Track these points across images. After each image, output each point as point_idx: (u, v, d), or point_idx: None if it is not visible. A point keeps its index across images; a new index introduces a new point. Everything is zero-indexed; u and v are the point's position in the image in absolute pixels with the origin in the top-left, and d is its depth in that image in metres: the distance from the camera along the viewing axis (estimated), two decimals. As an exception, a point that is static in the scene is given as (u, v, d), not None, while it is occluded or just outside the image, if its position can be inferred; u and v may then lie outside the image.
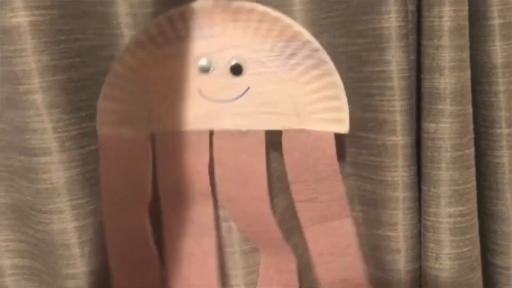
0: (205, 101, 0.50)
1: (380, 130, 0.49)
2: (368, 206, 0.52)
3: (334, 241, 0.51)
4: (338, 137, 0.50)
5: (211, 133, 0.51)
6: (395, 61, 0.48)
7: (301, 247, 0.54)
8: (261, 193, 0.51)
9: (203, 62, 0.50)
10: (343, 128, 0.49)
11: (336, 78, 0.48)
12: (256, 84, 0.50)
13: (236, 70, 0.50)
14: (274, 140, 0.51)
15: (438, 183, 0.49)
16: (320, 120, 0.49)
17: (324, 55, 0.48)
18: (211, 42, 0.50)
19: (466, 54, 0.48)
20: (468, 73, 0.48)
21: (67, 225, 0.51)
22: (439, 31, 0.46)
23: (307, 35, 0.48)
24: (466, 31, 0.47)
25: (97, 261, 0.52)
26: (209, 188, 0.51)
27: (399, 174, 0.50)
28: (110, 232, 0.51)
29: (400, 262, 0.51)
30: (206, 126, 0.51)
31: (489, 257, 0.56)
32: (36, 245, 0.54)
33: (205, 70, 0.50)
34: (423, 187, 0.50)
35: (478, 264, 0.51)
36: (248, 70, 0.50)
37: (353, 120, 0.50)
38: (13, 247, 0.56)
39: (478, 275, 0.52)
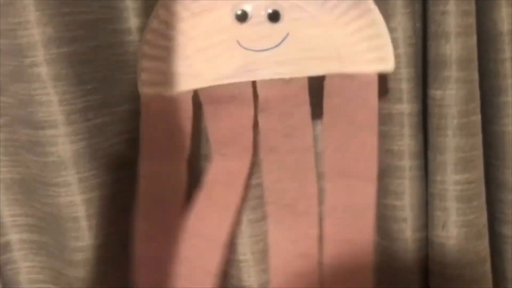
0: (244, 52, 0.50)
1: (386, 98, 0.49)
2: (374, 176, 0.52)
3: (353, 200, 0.50)
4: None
5: (254, 84, 0.50)
6: (400, 28, 0.48)
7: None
8: (306, 143, 0.50)
9: (239, 11, 0.49)
10: (388, 65, 0.47)
11: (377, 15, 0.47)
12: (295, 30, 0.49)
13: (274, 17, 0.49)
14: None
15: (444, 150, 0.49)
16: (364, 61, 0.48)
17: None
18: None
19: (473, 20, 0.47)
20: (474, 39, 0.48)
21: (74, 198, 0.51)
22: (445, -4, 0.46)
23: None
24: (472, -5, 0.47)
25: (105, 235, 0.52)
26: (251, 143, 0.51)
27: (405, 142, 0.50)
28: (144, 177, 0.52)
29: (407, 231, 0.51)
30: (247, 77, 0.50)
31: (496, 227, 0.56)
32: (43, 219, 0.54)
33: (242, 19, 0.49)
34: (430, 155, 0.50)
35: (485, 231, 0.51)
36: (285, 16, 0.49)
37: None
38: (20, 222, 0.56)
39: (485, 242, 0.52)
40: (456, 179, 0.49)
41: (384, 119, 0.50)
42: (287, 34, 0.49)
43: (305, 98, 0.49)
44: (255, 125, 0.51)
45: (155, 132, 0.51)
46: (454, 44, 0.47)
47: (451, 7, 0.46)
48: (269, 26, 0.49)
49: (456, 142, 0.48)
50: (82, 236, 0.52)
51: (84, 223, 0.52)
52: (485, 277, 0.52)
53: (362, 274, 0.52)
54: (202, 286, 0.53)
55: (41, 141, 0.50)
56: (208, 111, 0.51)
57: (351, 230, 0.51)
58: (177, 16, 0.49)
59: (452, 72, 0.47)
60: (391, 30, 0.48)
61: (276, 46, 0.49)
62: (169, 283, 0.53)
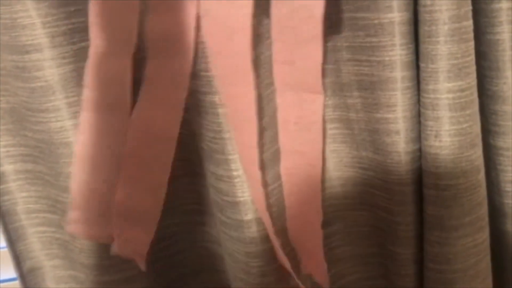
0: None
1: (376, 8, 0.48)
2: (366, 90, 0.52)
3: (302, 113, 0.51)
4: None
5: None
6: None
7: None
8: (244, 46, 0.49)
9: None
10: None
11: None
12: None
13: None
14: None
15: (436, 57, 0.48)
16: None
17: None
18: None
19: None
20: None
21: (65, 123, 0.51)
22: None
23: None
24: None
25: (98, 159, 0.52)
26: (193, 41, 0.49)
27: (396, 53, 0.49)
28: (92, 73, 0.50)
29: (400, 144, 0.51)
30: None
31: (490, 139, 0.55)
32: (36, 147, 0.54)
33: None
34: (421, 64, 0.49)
35: (478, 140, 0.51)
36: None
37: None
38: (14, 152, 0.56)
39: (478, 152, 0.51)
40: (448, 87, 0.48)
41: (375, 29, 0.49)
42: None
43: (248, 2, 0.47)
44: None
45: (102, 24, 0.49)
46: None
47: None
48: None
49: (448, 49, 0.47)
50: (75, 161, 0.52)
51: (75, 148, 0.52)
52: (480, 186, 0.52)
53: (312, 187, 0.54)
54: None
55: (27, 66, 0.49)
56: (150, 6, 0.49)
57: (301, 142, 0.52)
58: None
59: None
60: None
61: None
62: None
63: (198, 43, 0.50)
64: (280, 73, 0.51)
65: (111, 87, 0.51)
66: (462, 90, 0.48)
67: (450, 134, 0.49)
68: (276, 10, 0.48)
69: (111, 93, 0.51)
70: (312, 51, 0.49)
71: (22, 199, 0.58)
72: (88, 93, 0.50)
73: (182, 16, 0.49)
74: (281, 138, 0.53)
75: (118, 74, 0.50)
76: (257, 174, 0.51)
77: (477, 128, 0.51)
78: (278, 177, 0.54)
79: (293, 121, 0.52)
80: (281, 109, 0.52)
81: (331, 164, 0.56)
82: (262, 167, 0.52)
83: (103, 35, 0.49)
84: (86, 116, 0.51)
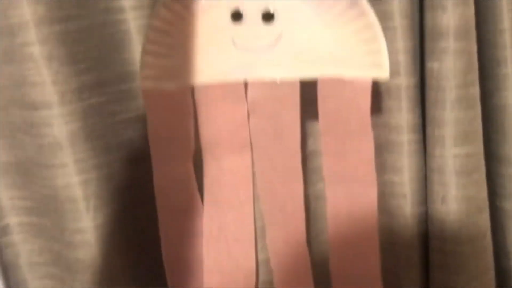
0: (239, 51, 0.50)
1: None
2: (373, 152, 0.52)
3: (354, 206, 0.51)
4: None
5: (246, 84, 0.50)
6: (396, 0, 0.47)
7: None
8: (293, 146, 0.50)
9: (234, 10, 0.49)
10: (383, 72, 0.46)
11: (372, 18, 0.46)
12: (290, 30, 0.48)
13: (268, 17, 0.49)
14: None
15: (443, 123, 0.48)
16: (358, 65, 0.47)
17: None
18: None
19: (470, -11, 0.46)
20: (472, 9, 0.47)
21: (71, 179, 0.51)
22: (441, -35, 0.45)
23: None
24: (469, -35, 0.46)
25: (103, 215, 0.52)
26: (248, 139, 0.51)
27: (403, 116, 0.49)
28: (158, 179, 0.52)
29: (406, 207, 0.51)
30: (241, 76, 0.50)
31: (496, 201, 0.55)
32: (41, 201, 0.54)
33: (237, 19, 0.49)
34: (428, 129, 0.49)
35: (485, 205, 0.51)
36: (280, 16, 0.48)
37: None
38: (19, 205, 0.56)
39: (485, 217, 0.51)
40: (455, 153, 0.48)
41: (382, 93, 0.49)
42: (281, 35, 0.49)
43: (295, 101, 0.49)
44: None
45: (159, 129, 0.51)
46: (452, 14, 0.46)
47: (448, -23, 0.45)
48: (263, 26, 0.49)
49: (454, 115, 0.47)
50: (80, 218, 0.52)
51: (81, 204, 0.51)
52: (486, 251, 0.51)
53: (371, 277, 0.52)
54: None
55: (36, 122, 0.49)
56: (201, 111, 0.51)
57: (355, 235, 0.51)
58: (178, 15, 0.49)
59: (450, 43, 0.46)
60: (386, 1, 0.47)
61: (270, 46, 0.49)
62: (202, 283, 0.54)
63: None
64: (329, 165, 0.51)
65: (179, 192, 0.53)
66: (469, 156, 0.48)
67: (457, 199, 0.49)
68: (323, 105, 0.49)
69: (180, 196, 0.53)
70: (363, 143, 0.49)
71: (25, 252, 0.57)
72: (159, 199, 0.53)
73: (234, 116, 0.51)
74: (331, 232, 0.52)
75: (182, 178, 0.52)
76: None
77: (484, 193, 0.51)
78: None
79: (345, 214, 0.51)
80: (330, 201, 0.52)
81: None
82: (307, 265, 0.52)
83: (163, 144, 0.51)
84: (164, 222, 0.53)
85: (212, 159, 0.52)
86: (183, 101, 0.51)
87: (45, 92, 0.48)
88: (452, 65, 0.46)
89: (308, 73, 0.49)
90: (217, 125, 0.51)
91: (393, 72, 0.48)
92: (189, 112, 0.51)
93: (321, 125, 0.50)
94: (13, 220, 0.56)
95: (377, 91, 0.49)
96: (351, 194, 0.51)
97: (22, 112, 0.50)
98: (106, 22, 0.51)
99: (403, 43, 0.47)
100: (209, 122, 0.51)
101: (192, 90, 0.51)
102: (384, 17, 0.47)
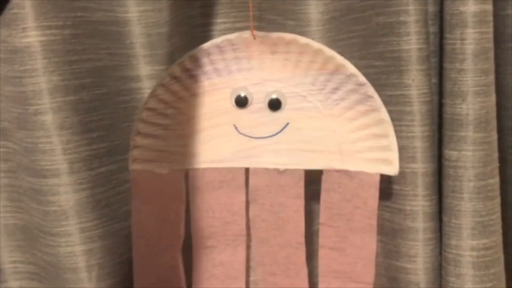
0: (241, 137, 0.49)
1: (399, 156, 0.47)
2: (387, 236, 0.50)
3: None
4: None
5: (247, 171, 0.49)
6: (415, 84, 0.46)
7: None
8: (297, 239, 0.48)
9: (239, 96, 0.48)
10: (392, 169, 0.45)
11: (384, 114, 0.45)
12: (296, 120, 0.47)
13: (275, 104, 0.48)
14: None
15: (460, 214, 0.46)
16: (366, 160, 0.46)
17: (370, 90, 0.45)
18: (248, 75, 0.48)
19: (491, 78, 0.45)
20: (493, 98, 0.46)
21: (75, 248, 0.50)
22: (461, 54, 0.44)
23: (351, 68, 0.45)
24: (491, 54, 0.45)
25: (105, 286, 0.51)
26: (244, 230, 0.49)
27: (419, 203, 0.47)
28: (139, 271, 0.50)
29: (420, 296, 0.49)
30: (242, 163, 0.49)
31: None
32: (44, 268, 0.53)
33: (241, 104, 0.48)
34: (444, 218, 0.47)
35: (503, 300, 0.48)
36: (287, 105, 0.47)
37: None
38: (22, 269, 0.55)
39: (503, 312, 0.48)
40: (472, 245, 0.46)
41: (397, 177, 0.48)
42: (287, 124, 0.48)
43: (299, 191, 0.48)
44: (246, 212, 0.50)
45: (146, 215, 0.49)
46: (472, 104, 0.44)
47: (468, 65, 0.44)
48: (269, 113, 0.48)
49: (472, 206, 0.46)
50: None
51: (83, 274, 0.50)
52: None
53: None
54: None
55: (43, 189, 0.49)
56: (195, 197, 0.50)
57: None
58: (177, 96, 0.48)
59: (469, 133, 0.45)
60: (405, 86, 0.46)
61: (275, 134, 0.48)
62: None
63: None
64: (326, 259, 0.49)
65: (165, 282, 0.50)
66: (487, 249, 0.46)
67: (473, 293, 0.47)
68: (327, 197, 0.48)
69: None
70: (366, 240, 0.47)
71: (24, 317, 0.56)
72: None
73: (231, 205, 0.49)
74: None
75: (170, 267, 0.50)
76: None
77: (502, 286, 0.48)
78: None
79: None
80: None
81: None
82: None
83: (151, 233, 0.49)
84: None
85: (203, 250, 0.50)
86: (174, 185, 0.49)
87: (55, 160, 0.48)
88: (471, 154, 0.45)
89: (314, 164, 0.47)
90: (211, 214, 0.49)
91: (410, 157, 0.47)
92: (181, 197, 0.49)
93: (322, 217, 0.48)
94: (14, 284, 0.56)
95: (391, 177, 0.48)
96: None
97: (30, 178, 0.50)
98: (121, 90, 0.51)
99: (421, 128, 0.46)
100: (202, 210, 0.49)
101: (185, 174, 0.49)
102: (402, 102, 0.46)
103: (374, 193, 0.46)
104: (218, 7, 0.49)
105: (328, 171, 0.47)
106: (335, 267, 0.48)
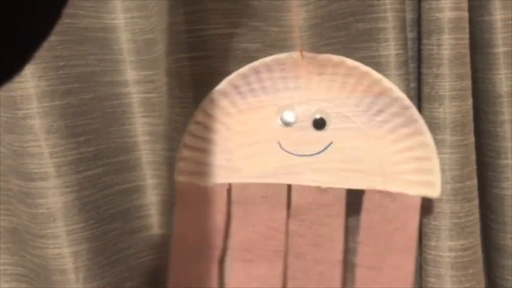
0: (285, 154, 0.49)
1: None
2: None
3: None
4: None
5: (289, 188, 0.49)
6: (394, 89, 0.47)
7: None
8: (334, 257, 0.49)
9: (286, 114, 0.49)
10: (434, 192, 0.46)
11: (428, 138, 0.46)
12: (340, 140, 0.48)
13: (319, 124, 0.49)
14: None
15: (438, 215, 0.47)
16: (408, 182, 0.46)
17: (415, 113, 0.46)
18: (295, 95, 0.49)
19: (467, 83, 0.46)
20: (469, 102, 0.47)
21: (62, 250, 0.51)
22: (438, 59, 0.45)
23: (397, 91, 0.46)
24: (467, 59, 0.46)
25: (91, 287, 0.52)
26: (283, 247, 0.49)
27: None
28: (176, 280, 0.50)
29: (400, 297, 0.49)
30: (284, 180, 0.49)
31: (497, 293, 0.53)
32: (32, 270, 0.54)
33: (287, 122, 0.49)
34: (424, 220, 0.48)
35: (483, 300, 0.49)
36: (331, 125, 0.48)
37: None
38: (11, 271, 0.56)
39: (482, 312, 0.49)
40: (450, 246, 0.47)
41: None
42: (331, 143, 0.48)
43: (340, 210, 0.48)
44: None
45: (187, 225, 0.50)
46: (448, 108, 0.46)
47: (445, 70, 0.45)
48: (313, 132, 0.49)
49: (450, 208, 0.47)
50: (69, 289, 0.51)
51: (71, 276, 0.51)
52: None
53: None
54: None
55: (31, 192, 0.50)
56: (237, 211, 0.50)
57: None
58: (224, 111, 0.49)
59: (446, 136, 0.46)
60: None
61: (318, 153, 0.49)
62: None
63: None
64: (363, 278, 0.48)
65: None
66: (465, 249, 0.47)
67: (452, 294, 0.48)
68: (367, 217, 0.48)
69: None
70: (404, 260, 0.47)
71: (13, 319, 0.57)
72: None
73: (272, 220, 0.49)
74: None
75: (206, 278, 0.50)
76: None
77: (481, 287, 0.49)
78: None
79: None
80: None
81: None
82: None
83: (191, 244, 0.50)
84: None
85: (241, 263, 0.50)
86: (217, 199, 0.50)
87: (42, 164, 0.49)
88: (448, 157, 0.46)
89: (355, 183, 0.48)
90: (251, 228, 0.50)
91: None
92: (223, 210, 0.50)
93: (362, 236, 0.48)
94: (3, 286, 0.56)
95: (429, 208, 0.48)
96: None
97: (19, 181, 0.50)
98: (109, 95, 0.51)
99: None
100: (243, 224, 0.50)
101: (229, 188, 0.50)
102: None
103: (415, 215, 0.46)
104: (202, 14, 0.50)
105: (370, 191, 0.47)
106: (371, 286, 0.48)
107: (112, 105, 0.52)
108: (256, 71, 0.48)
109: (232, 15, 0.50)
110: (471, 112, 0.47)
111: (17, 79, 0.47)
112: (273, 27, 0.51)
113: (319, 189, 0.48)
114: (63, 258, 0.51)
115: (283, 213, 0.49)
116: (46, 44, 0.47)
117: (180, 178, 0.50)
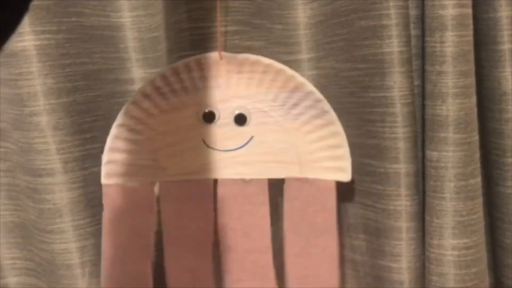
0: (209, 151, 0.51)
1: (382, 157, 0.48)
2: (371, 235, 0.51)
3: None
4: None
5: (215, 182, 0.51)
6: (396, 86, 0.47)
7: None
8: (264, 243, 0.51)
9: (207, 112, 0.51)
10: (345, 176, 0.49)
11: (338, 127, 0.49)
12: (260, 134, 0.51)
13: (240, 120, 0.51)
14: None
15: (441, 213, 0.47)
16: (323, 168, 0.50)
17: (326, 106, 0.49)
18: (215, 93, 0.51)
19: (471, 80, 0.46)
20: (473, 100, 0.46)
21: (69, 245, 0.52)
22: (441, 56, 0.45)
23: (310, 86, 0.49)
24: (471, 56, 0.46)
25: (98, 282, 0.52)
26: (212, 237, 0.51)
27: (402, 203, 0.48)
28: (107, 281, 0.51)
29: (404, 295, 0.49)
30: (210, 175, 0.51)
31: (503, 292, 0.53)
32: (40, 264, 0.55)
33: (209, 120, 0.51)
34: (426, 218, 0.48)
35: (486, 299, 0.49)
36: (252, 120, 0.51)
37: (357, 147, 0.49)
38: (20, 265, 0.57)
39: (486, 311, 0.49)
40: (453, 244, 0.47)
41: (381, 177, 0.49)
42: (252, 137, 0.51)
43: (264, 198, 0.51)
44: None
45: (117, 226, 0.51)
46: (451, 105, 0.45)
47: (448, 67, 0.45)
48: (235, 128, 0.51)
49: (453, 206, 0.46)
50: (76, 284, 0.52)
51: (77, 271, 0.52)
52: None
53: None
54: None
55: (38, 188, 0.51)
56: (165, 208, 0.52)
57: None
58: (147, 113, 0.50)
59: (449, 134, 0.46)
60: (387, 88, 0.47)
61: (241, 147, 0.51)
62: None
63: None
64: (292, 266, 0.51)
65: None
66: (468, 248, 0.47)
67: (455, 292, 0.47)
68: (289, 205, 0.51)
69: None
70: (328, 241, 0.50)
71: (23, 312, 0.58)
72: None
73: (200, 216, 0.51)
74: None
75: (140, 277, 0.51)
76: None
77: (485, 285, 0.49)
78: None
79: None
80: None
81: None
82: None
83: (122, 245, 0.51)
84: None
85: (173, 259, 0.52)
86: (145, 199, 0.51)
87: (49, 160, 0.50)
88: (451, 155, 0.46)
89: (276, 173, 0.51)
90: (181, 224, 0.51)
91: (392, 158, 0.48)
92: (151, 209, 0.51)
93: (286, 224, 0.51)
94: (12, 280, 0.57)
95: (375, 174, 0.49)
96: None
97: (27, 177, 0.51)
98: (115, 92, 0.52)
99: (403, 129, 0.47)
100: (172, 220, 0.51)
101: (156, 187, 0.52)
102: (385, 104, 0.47)
103: (332, 196, 0.49)
104: (203, 12, 0.50)
105: (289, 179, 0.50)
106: (301, 273, 0.50)
107: (118, 103, 0.52)
108: (177, 72, 0.50)
109: (235, 12, 0.50)
110: (475, 110, 0.46)
111: (24, 76, 0.48)
112: (277, 24, 0.51)
113: (243, 181, 0.51)
114: (69, 253, 0.52)
115: (210, 207, 0.51)
116: (52, 42, 0.48)
117: (106, 181, 0.51)
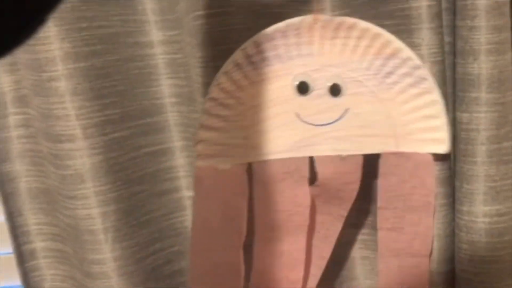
0: (304, 125, 0.47)
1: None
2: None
3: (406, 279, 0.48)
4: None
5: (310, 160, 0.48)
6: (425, 44, 0.44)
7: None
8: (339, 214, 0.49)
9: (301, 83, 0.47)
10: (443, 148, 0.45)
11: (436, 95, 0.45)
12: (355, 105, 0.47)
13: (335, 90, 0.47)
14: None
15: (472, 179, 0.44)
16: (419, 141, 0.46)
17: (425, 72, 0.45)
18: (308, 61, 0.47)
19: (506, 35, 0.43)
20: (508, 56, 0.43)
21: (91, 211, 0.52)
22: (473, 10, 0.42)
23: (407, 51, 0.45)
24: (506, 9, 0.42)
25: (121, 247, 0.52)
26: (307, 220, 0.48)
27: (431, 168, 0.46)
28: (196, 267, 0.49)
29: (432, 263, 0.48)
30: (305, 152, 0.48)
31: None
32: (65, 230, 0.55)
33: (303, 91, 0.47)
34: (456, 183, 0.46)
35: (517, 269, 0.46)
36: (346, 90, 0.47)
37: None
38: (46, 230, 0.57)
39: (517, 281, 0.47)
40: (485, 211, 0.44)
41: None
42: (347, 109, 0.47)
43: (357, 176, 0.47)
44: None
45: (208, 211, 0.48)
46: (484, 63, 0.42)
47: (480, 21, 0.42)
48: (330, 99, 0.47)
49: (485, 171, 0.44)
50: (99, 249, 0.52)
51: (100, 236, 0.52)
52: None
53: None
54: None
55: (59, 154, 0.50)
56: (258, 191, 0.49)
57: None
58: (237, 85, 0.47)
59: (481, 94, 0.43)
60: (415, 45, 0.44)
61: (336, 121, 0.47)
62: None
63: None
64: (384, 239, 0.48)
65: (223, 279, 0.49)
66: (500, 215, 0.44)
67: (486, 261, 0.45)
68: (385, 180, 0.47)
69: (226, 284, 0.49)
70: (423, 217, 0.47)
71: (50, 277, 0.59)
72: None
73: (295, 196, 0.48)
74: None
75: (230, 264, 0.49)
76: None
77: (517, 256, 0.46)
78: None
79: (396, 285, 0.49)
80: (382, 275, 0.49)
81: (362, 271, 0.53)
82: None
83: (212, 230, 0.49)
84: None
85: (265, 243, 0.49)
86: (237, 181, 0.48)
87: (69, 126, 0.49)
88: (483, 116, 0.43)
89: (371, 148, 0.47)
90: (274, 207, 0.48)
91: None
92: (244, 193, 0.48)
93: (380, 200, 0.47)
94: (39, 245, 0.58)
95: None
96: (404, 267, 0.48)
97: (48, 143, 0.51)
98: (134, 56, 0.51)
99: (432, 89, 0.44)
100: (265, 204, 0.48)
101: (249, 168, 0.48)
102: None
103: (431, 171, 0.46)
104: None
105: (385, 154, 0.47)
106: (393, 246, 0.48)
107: (137, 67, 0.51)
108: (271, 38, 0.46)
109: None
110: (509, 68, 0.43)
111: (41, 41, 0.48)
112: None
113: (339, 157, 0.47)
114: (92, 219, 0.52)
115: (305, 187, 0.48)
116: (68, 5, 0.47)
117: (199, 163, 0.48)
